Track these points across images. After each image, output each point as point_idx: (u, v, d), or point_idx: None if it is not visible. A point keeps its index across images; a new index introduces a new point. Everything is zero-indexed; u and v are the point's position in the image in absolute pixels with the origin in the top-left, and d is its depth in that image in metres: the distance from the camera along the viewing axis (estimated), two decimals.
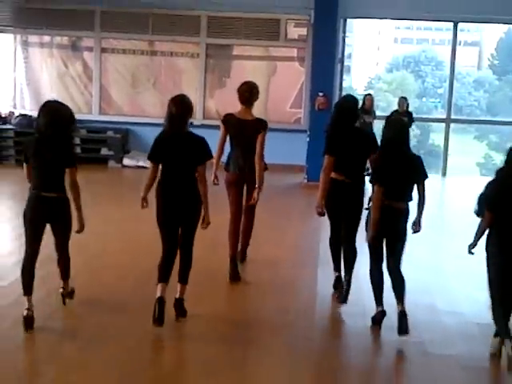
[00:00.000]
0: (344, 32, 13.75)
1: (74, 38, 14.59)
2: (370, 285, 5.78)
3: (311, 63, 13.13)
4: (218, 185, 7.01)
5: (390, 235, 5.64)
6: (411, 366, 5.21)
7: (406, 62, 42.72)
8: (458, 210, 10.95)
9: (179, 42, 14.35)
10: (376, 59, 46.20)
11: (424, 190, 5.68)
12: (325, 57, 12.68)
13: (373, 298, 5.77)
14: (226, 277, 6.76)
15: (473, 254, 5.42)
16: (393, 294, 5.60)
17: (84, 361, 4.93)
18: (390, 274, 5.66)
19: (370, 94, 13.91)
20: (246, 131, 6.93)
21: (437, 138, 27.01)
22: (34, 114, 13.76)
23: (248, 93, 7.05)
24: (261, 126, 6.96)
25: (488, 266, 5.30)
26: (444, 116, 14.70)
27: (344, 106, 6.50)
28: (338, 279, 6.53)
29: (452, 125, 14.44)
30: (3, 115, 13.99)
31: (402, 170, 5.54)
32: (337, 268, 6.56)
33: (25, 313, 5.34)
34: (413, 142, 14.05)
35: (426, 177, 5.70)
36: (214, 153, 6.30)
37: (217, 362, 4.98)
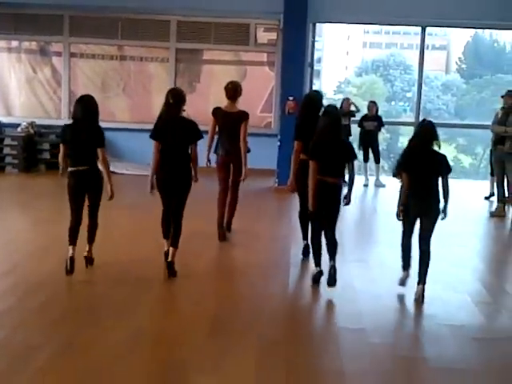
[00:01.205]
0: (313, 36, 13.78)
1: (42, 43, 14.49)
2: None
3: (281, 67, 13.16)
4: (210, 167, 8.36)
5: (327, 206, 6.65)
6: (381, 367, 5.20)
7: (374, 66, 43.07)
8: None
9: (149, 46, 14.32)
10: (345, 63, 46.51)
11: (353, 170, 6.80)
12: (294, 61, 12.71)
13: (367, 306, 6.19)
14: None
15: (401, 219, 6.59)
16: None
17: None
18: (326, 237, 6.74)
19: (347, 98, 13.92)
20: (231, 121, 8.34)
21: (406, 141, 27.21)
22: (3, 119, 13.80)
23: (233, 90, 8.41)
24: (244, 116, 8.36)
25: (401, 211, 6.52)
26: (413, 119, 14.80)
27: (309, 97, 8.29)
28: (306, 247, 7.74)
29: None
30: None
31: (334, 151, 6.59)
32: (304, 237, 7.79)
33: (70, 255, 6.62)
34: (382, 146, 14.13)
35: (355, 158, 6.85)
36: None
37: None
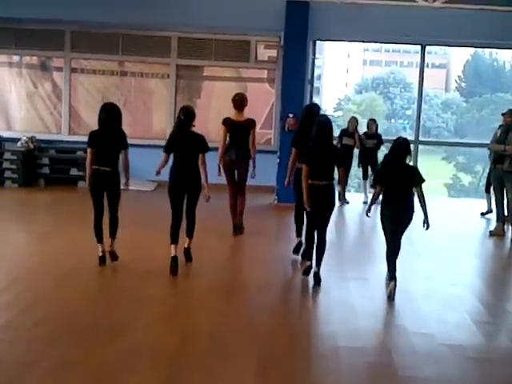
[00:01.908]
0: (314, 54, 13.82)
1: (43, 58, 14.55)
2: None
3: (281, 84, 13.19)
4: (221, 174, 9.51)
5: (320, 206, 7.43)
6: None
7: (374, 83, 43.24)
8: (427, 231, 11.00)
9: (149, 62, 14.37)
10: (345, 81, 46.69)
11: (343, 174, 7.84)
12: (294, 78, 12.74)
13: (365, 324, 6.24)
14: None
15: (369, 217, 7.57)
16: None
17: None
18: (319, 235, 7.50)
19: (354, 117, 13.76)
20: (240, 129, 9.44)
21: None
22: (3, 133, 13.81)
23: (240, 101, 9.53)
24: (252, 124, 9.54)
25: (381, 220, 7.26)
26: (412, 137, 14.80)
27: (307, 108, 9.07)
28: (298, 244, 8.53)
29: (420, 146, 14.54)
30: None
31: (325, 157, 7.38)
32: (298, 234, 8.60)
33: (100, 254, 7.63)
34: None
35: (343, 163, 7.67)
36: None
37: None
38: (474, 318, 6.70)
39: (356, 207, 12.69)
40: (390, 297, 7.00)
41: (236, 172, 9.63)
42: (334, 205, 7.55)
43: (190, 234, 7.91)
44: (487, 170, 12.77)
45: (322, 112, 8.99)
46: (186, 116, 7.75)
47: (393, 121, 40.10)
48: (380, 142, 13.51)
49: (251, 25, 13.33)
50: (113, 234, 7.84)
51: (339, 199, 7.45)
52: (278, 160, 12.33)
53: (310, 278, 7.50)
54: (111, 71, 14.51)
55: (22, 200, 12.34)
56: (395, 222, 7.15)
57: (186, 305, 6.73)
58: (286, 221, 10.92)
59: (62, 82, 14.43)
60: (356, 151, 13.50)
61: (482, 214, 12.50)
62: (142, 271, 7.62)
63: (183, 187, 7.68)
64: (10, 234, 9.52)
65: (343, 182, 7.83)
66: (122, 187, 7.87)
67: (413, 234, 11.27)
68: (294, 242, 8.73)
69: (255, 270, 8.26)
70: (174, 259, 7.50)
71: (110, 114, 7.67)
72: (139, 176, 13.47)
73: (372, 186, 7.82)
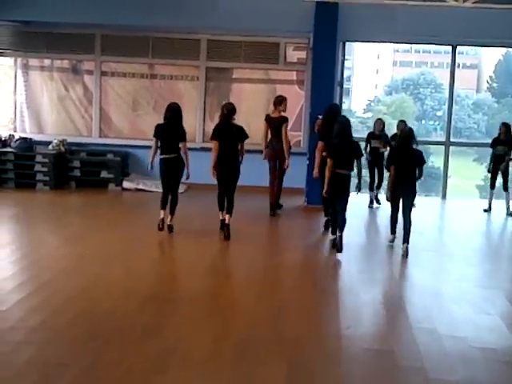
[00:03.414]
0: (343, 55, 13.78)
1: (74, 62, 14.65)
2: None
3: (310, 86, 13.14)
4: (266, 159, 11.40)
5: (339, 192, 8.83)
6: None
7: (405, 84, 42.93)
8: (458, 233, 10.93)
9: (179, 65, 14.42)
10: (375, 82, 46.41)
11: (360, 162, 8.99)
12: (324, 80, 12.70)
13: (394, 327, 6.17)
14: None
15: (389, 201, 9.20)
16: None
17: None
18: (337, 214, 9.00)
19: (380, 119, 13.59)
20: (276, 124, 11.22)
21: (436, 160, 27.01)
22: (34, 136, 13.96)
23: (277, 100, 11.49)
24: (284, 120, 11.26)
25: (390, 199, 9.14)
26: (443, 139, 14.70)
27: (329, 107, 10.57)
28: (327, 221, 10.10)
29: (451, 147, 14.43)
30: (3, 138, 13.98)
31: (345, 150, 8.78)
32: (326, 214, 10.20)
33: (161, 217, 9.41)
34: None
35: (362, 155, 9.18)
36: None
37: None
38: (506, 322, 6.61)
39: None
40: (404, 255, 8.86)
41: (278, 160, 11.40)
42: (349, 190, 8.93)
43: (229, 211, 9.47)
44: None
45: (347, 112, 9.95)
46: (228, 110, 9.48)
47: (423, 122, 39.77)
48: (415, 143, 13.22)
49: (280, 26, 13.32)
50: (172, 212, 9.55)
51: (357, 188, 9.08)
52: (308, 162, 12.28)
53: (342, 281, 7.47)
54: (141, 74, 14.58)
55: (54, 202, 12.45)
56: (402, 194, 9.03)
57: (216, 306, 6.73)
58: (316, 223, 10.91)
59: (92, 86, 14.53)
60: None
61: (485, 211, 12.76)
62: (171, 273, 7.65)
63: (226, 171, 9.45)
64: (42, 236, 9.62)
65: (360, 172, 9.00)
66: (183, 178, 9.55)
67: (444, 236, 11.24)
68: (324, 247, 9.38)
69: (284, 271, 8.25)
70: (223, 222, 9.48)
71: (172, 111, 9.49)
72: None
73: (387, 168, 9.30)
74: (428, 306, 6.92)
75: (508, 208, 12.40)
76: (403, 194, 9.03)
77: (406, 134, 9.36)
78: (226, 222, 9.42)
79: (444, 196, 14.34)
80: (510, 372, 5.48)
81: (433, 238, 10.62)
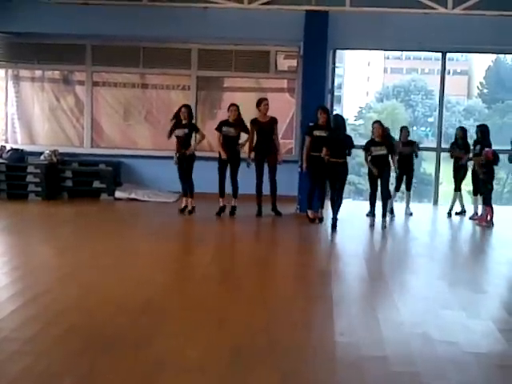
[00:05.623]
0: (334, 63, 13.83)
1: (65, 72, 14.67)
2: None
3: (301, 94, 13.20)
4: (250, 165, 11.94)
5: (334, 178, 10.98)
6: None
7: (395, 91, 43.10)
8: (450, 239, 10.98)
9: (170, 74, 14.44)
10: (366, 89, 46.55)
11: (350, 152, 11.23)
12: (315, 88, 12.75)
13: (389, 333, 6.25)
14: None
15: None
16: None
17: None
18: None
19: (377, 121, 12.09)
20: (266, 128, 11.84)
21: (428, 166, 27.09)
22: (26, 147, 13.95)
23: (257, 102, 12.11)
24: (274, 121, 12.01)
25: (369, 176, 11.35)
26: (434, 145, 14.75)
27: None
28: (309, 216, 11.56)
29: (443, 153, 14.47)
30: None
31: (340, 142, 10.87)
32: (309, 206, 11.48)
33: (220, 205, 11.59)
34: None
35: (353, 147, 11.22)
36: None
37: None
38: (498, 326, 6.63)
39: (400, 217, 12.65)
40: (384, 226, 11.01)
41: (267, 160, 12.01)
42: (346, 174, 11.02)
43: (273, 193, 11.94)
44: (511, 177, 12.84)
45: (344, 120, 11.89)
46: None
47: (415, 128, 39.88)
48: (417, 148, 13.02)
49: (271, 35, 13.36)
50: (235, 195, 11.65)
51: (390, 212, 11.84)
52: (300, 169, 12.28)
53: (336, 288, 7.49)
54: (132, 84, 14.59)
55: (46, 213, 12.43)
56: (378, 176, 11.07)
57: (208, 316, 6.73)
58: (308, 231, 10.93)
59: (83, 96, 14.54)
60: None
61: (457, 214, 12.92)
62: (167, 283, 7.64)
63: (264, 159, 11.87)
64: (35, 247, 9.60)
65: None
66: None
67: (436, 241, 11.28)
68: (318, 253, 9.60)
69: (277, 281, 8.26)
70: (259, 205, 11.72)
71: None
72: (160, 187, 13.61)
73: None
74: (421, 311, 6.93)
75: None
76: (379, 175, 11.11)
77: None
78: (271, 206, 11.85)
79: (436, 202, 14.37)
80: (502, 376, 5.48)
81: (425, 244, 10.65)
